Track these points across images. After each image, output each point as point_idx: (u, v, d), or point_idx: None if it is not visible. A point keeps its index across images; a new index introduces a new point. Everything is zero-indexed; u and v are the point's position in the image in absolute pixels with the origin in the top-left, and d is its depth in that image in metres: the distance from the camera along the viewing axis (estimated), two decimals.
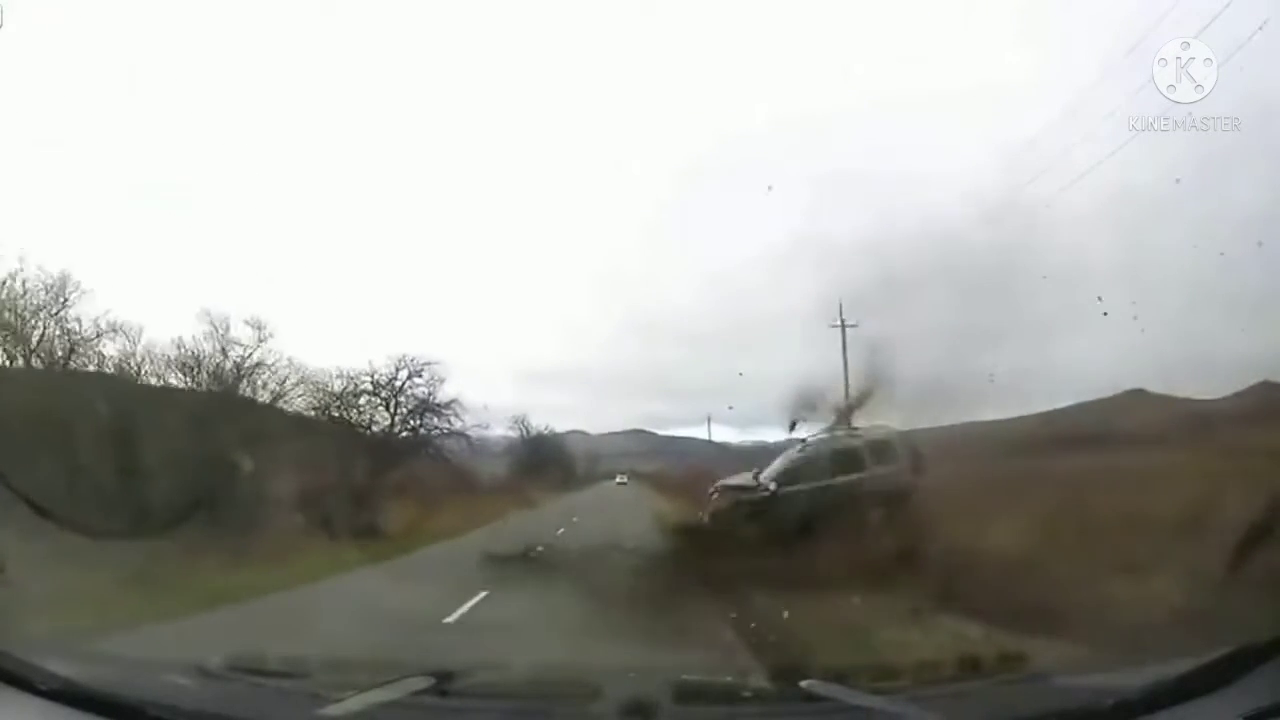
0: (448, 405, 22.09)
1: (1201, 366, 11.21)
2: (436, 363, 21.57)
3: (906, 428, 13.15)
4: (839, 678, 2.46)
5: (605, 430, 32.58)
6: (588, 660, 5.08)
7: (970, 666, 2.78)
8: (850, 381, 14.50)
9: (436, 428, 22.37)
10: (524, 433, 29.56)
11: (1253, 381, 11.06)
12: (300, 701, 2.32)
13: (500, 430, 27.04)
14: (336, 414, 20.65)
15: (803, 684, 2.36)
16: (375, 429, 21.66)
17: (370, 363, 21.42)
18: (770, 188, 16.56)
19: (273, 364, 17.63)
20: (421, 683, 2.36)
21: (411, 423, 22.17)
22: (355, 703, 2.15)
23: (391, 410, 22.05)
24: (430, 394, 22.05)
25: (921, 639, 6.29)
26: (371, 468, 19.54)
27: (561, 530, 16.70)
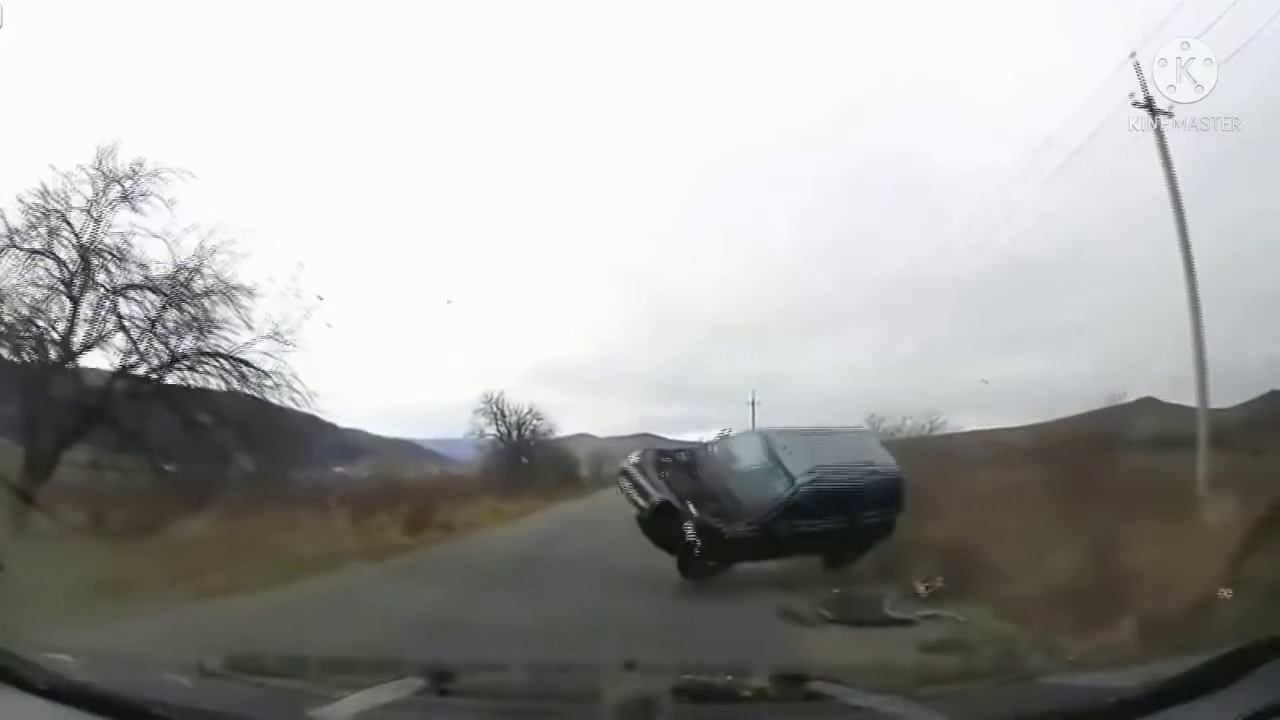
0: (229, 290, 10.63)
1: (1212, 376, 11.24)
2: (180, 170, 10.42)
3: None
4: (839, 678, 2.45)
5: (612, 434, 31.36)
6: (587, 660, 5.07)
7: (970, 666, 2.77)
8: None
9: (195, 349, 10.55)
10: (498, 418, 22.91)
11: (1262, 391, 11.14)
12: (299, 701, 2.32)
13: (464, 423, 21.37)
14: None
15: (802, 684, 2.35)
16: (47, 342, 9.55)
17: (43, 184, 10.39)
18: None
19: None
20: (420, 682, 2.36)
21: (119, 318, 10.29)
22: (354, 702, 2.14)
23: (74, 289, 10.04)
24: (202, 259, 10.55)
25: None
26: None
27: None
